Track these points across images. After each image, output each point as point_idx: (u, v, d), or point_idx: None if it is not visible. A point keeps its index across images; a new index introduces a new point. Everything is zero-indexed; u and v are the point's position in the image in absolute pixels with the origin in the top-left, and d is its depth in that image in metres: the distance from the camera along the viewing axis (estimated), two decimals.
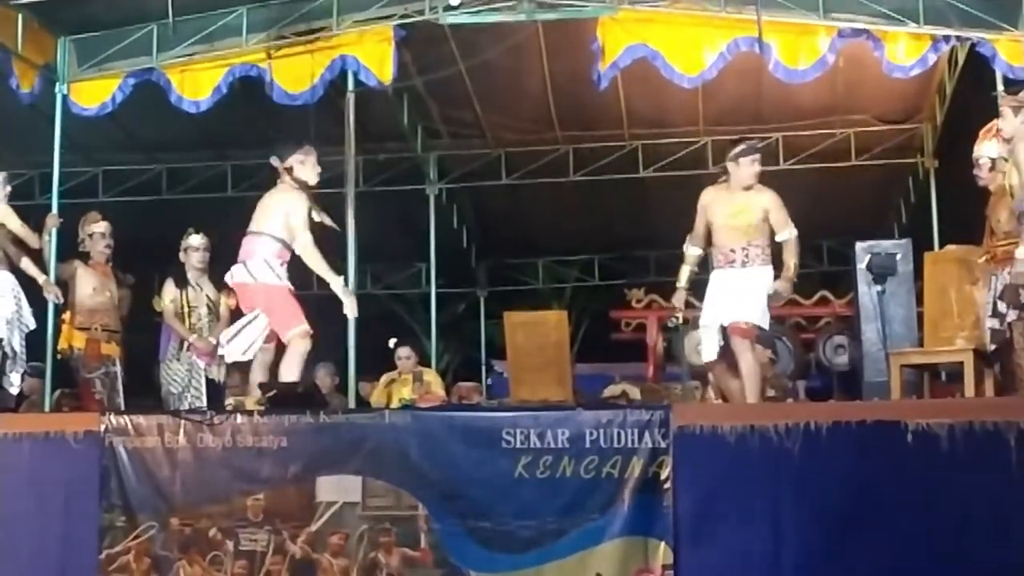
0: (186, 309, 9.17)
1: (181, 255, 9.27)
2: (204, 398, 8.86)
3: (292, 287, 7.33)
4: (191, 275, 9.25)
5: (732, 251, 7.30)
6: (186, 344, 9.10)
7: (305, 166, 7.48)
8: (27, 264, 8.14)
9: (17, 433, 6.25)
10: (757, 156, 7.44)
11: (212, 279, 9.33)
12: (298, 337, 7.15)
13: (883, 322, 8.93)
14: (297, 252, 7.26)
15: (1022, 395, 6.60)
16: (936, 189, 12.63)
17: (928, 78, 11.38)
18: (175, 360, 9.16)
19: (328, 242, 10.84)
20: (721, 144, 13.39)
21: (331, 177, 12.76)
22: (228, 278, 7.43)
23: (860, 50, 10.22)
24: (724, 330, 7.18)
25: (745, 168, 7.33)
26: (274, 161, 7.54)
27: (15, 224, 8.05)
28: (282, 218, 7.27)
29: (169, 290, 9.19)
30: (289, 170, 7.41)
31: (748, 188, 7.32)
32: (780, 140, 13.31)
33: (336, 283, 7.44)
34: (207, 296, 9.23)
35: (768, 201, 7.31)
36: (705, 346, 7.41)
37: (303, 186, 7.43)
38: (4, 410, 7.75)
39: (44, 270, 8.52)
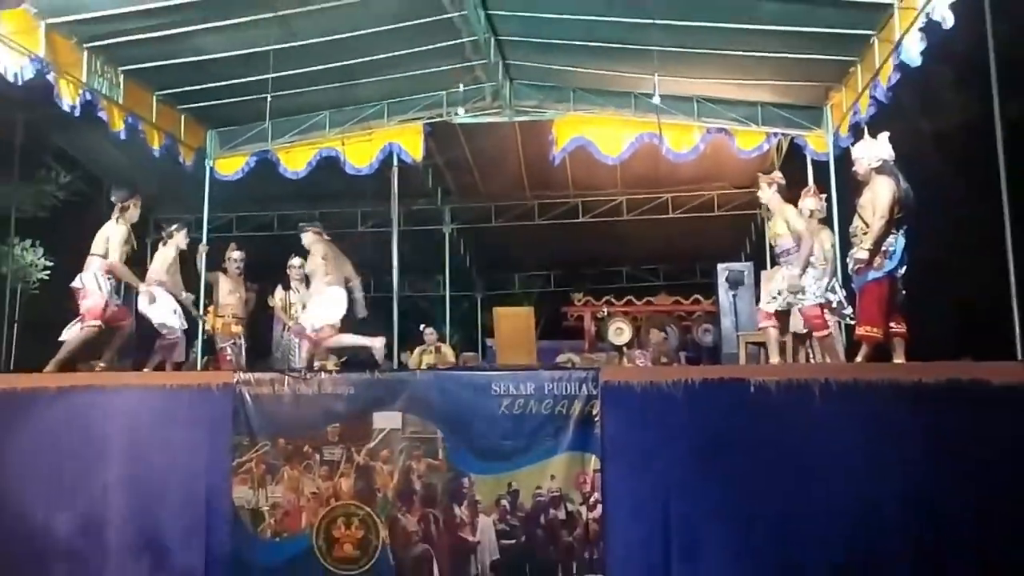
0: (288, 305, 9.19)
1: (288, 270, 9.28)
2: (298, 362, 8.86)
3: (109, 297, 7.09)
4: (293, 284, 9.25)
5: None
6: (287, 328, 9.10)
7: (135, 208, 7.32)
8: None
9: (179, 384, 6.26)
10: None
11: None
12: (87, 327, 6.97)
13: (735, 315, 8.99)
14: (108, 267, 7.06)
15: (821, 362, 6.67)
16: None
17: (764, 158, 11.43)
18: (281, 338, 9.17)
19: (377, 260, 10.94)
20: (633, 201, 13.53)
21: (381, 221, 12.90)
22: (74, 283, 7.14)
23: (721, 140, 10.32)
24: None
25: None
26: (114, 198, 7.29)
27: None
28: (104, 243, 7.07)
29: (279, 293, 9.21)
30: (124, 208, 7.22)
31: None
32: (670, 199, 13.38)
33: (142, 287, 7.29)
34: (302, 297, 9.24)
35: None
36: None
37: (128, 221, 7.22)
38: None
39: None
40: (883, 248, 6.03)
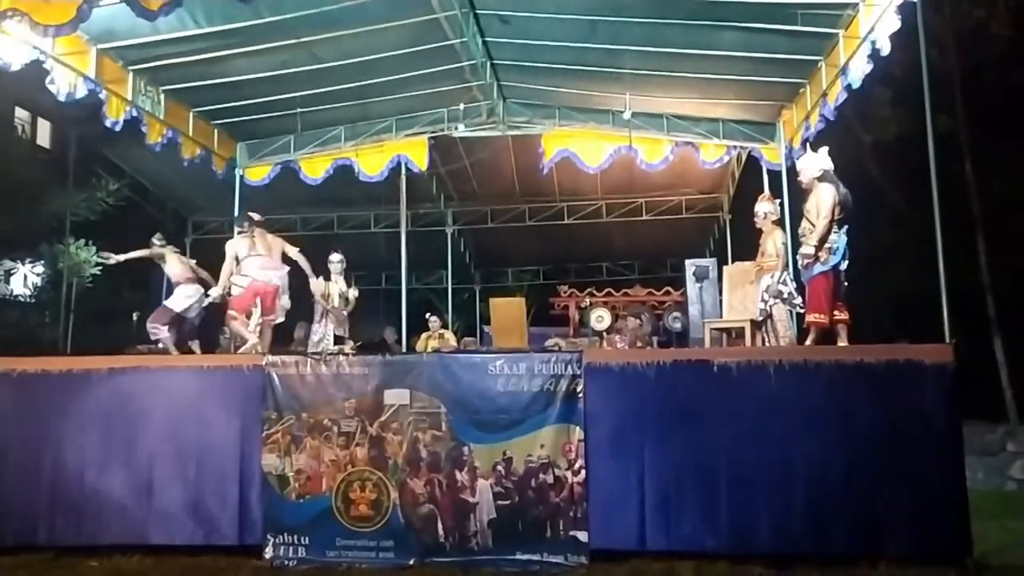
0: (328, 295, 9.05)
1: (328, 264, 9.16)
2: (332, 344, 8.76)
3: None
4: (332, 276, 9.14)
5: None
6: (324, 313, 9.01)
7: (263, 225, 7.69)
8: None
9: (214, 366, 6.22)
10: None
11: (345, 279, 9.26)
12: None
13: (701, 304, 9.01)
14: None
15: (775, 345, 6.68)
16: (729, 230, 12.74)
17: (725, 168, 11.51)
18: (319, 324, 9.05)
19: (388, 257, 10.93)
20: (611, 205, 13.53)
21: (391, 223, 12.89)
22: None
23: (687, 152, 10.33)
24: None
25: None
26: (254, 216, 7.70)
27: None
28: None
29: (319, 284, 9.06)
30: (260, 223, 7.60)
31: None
32: (644, 203, 13.39)
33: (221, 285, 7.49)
34: (340, 288, 9.14)
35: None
36: None
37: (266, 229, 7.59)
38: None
39: None
40: (827, 245, 6.07)
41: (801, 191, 6.50)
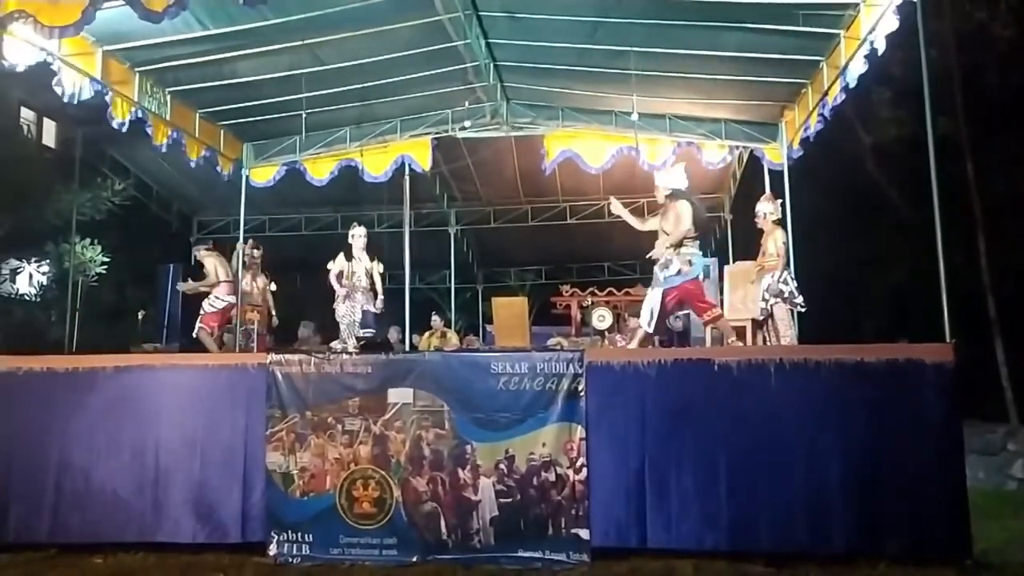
0: (351, 273, 8.87)
1: (350, 240, 8.94)
2: (357, 325, 8.61)
3: None
4: (355, 252, 8.96)
5: None
6: (347, 295, 8.87)
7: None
8: None
9: (219, 364, 6.25)
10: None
11: (369, 255, 9.06)
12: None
13: None
14: None
15: (775, 344, 6.68)
16: (731, 230, 12.70)
17: (727, 168, 11.47)
18: (343, 303, 8.91)
19: (392, 257, 10.91)
20: None
21: (396, 223, 12.88)
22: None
23: (689, 152, 10.29)
24: None
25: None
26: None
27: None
28: None
29: (339, 261, 8.86)
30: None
31: None
32: (646, 203, 13.32)
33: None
34: (364, 265, 8.96)
35: None
36: None
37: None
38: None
39: None
40: (688, 259, 6.43)
41: (664, 204, 6.78)
